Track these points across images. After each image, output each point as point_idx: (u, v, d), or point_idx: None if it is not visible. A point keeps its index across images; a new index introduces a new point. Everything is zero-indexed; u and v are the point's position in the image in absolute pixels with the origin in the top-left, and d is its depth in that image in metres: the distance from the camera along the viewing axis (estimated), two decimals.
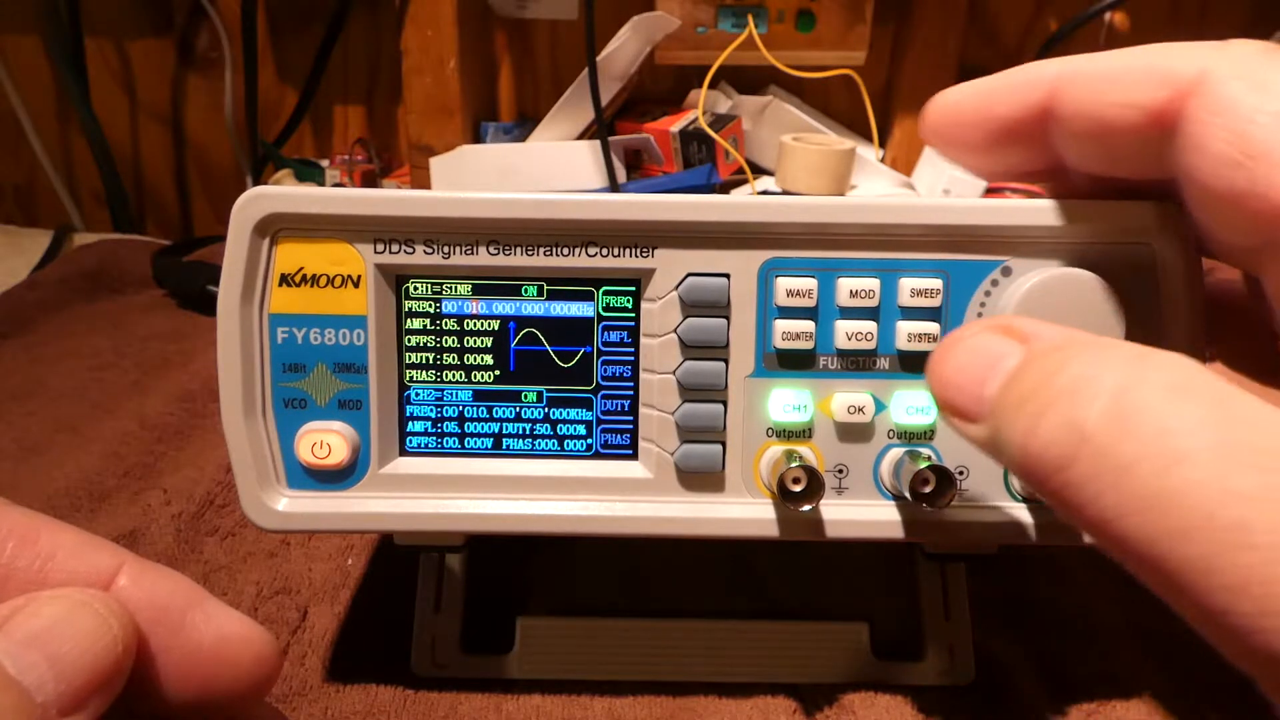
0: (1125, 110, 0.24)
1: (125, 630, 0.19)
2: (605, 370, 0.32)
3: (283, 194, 0.30)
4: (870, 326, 0.31)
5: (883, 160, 0.96)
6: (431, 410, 0.32)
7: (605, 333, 0.32)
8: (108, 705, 0.19)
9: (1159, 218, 0.30)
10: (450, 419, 0.32)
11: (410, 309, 0.32)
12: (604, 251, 0.31)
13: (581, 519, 0.32)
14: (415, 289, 0.32)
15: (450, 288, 0.32)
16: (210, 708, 0.21)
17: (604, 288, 0.31)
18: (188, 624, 0.21)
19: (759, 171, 0.88)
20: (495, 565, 0.42)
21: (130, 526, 0.44)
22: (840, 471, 0.32)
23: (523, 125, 0.95)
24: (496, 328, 0.32)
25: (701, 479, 0.32)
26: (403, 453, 0.32)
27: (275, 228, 0.30)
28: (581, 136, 0.86)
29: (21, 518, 0.20)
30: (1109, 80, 0.24)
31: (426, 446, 0.32)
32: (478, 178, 0.82)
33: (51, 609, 0.19)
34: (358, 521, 0.32)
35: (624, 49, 0.82)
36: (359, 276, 0.31)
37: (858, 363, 0.31)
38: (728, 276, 0.31)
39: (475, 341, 0.32)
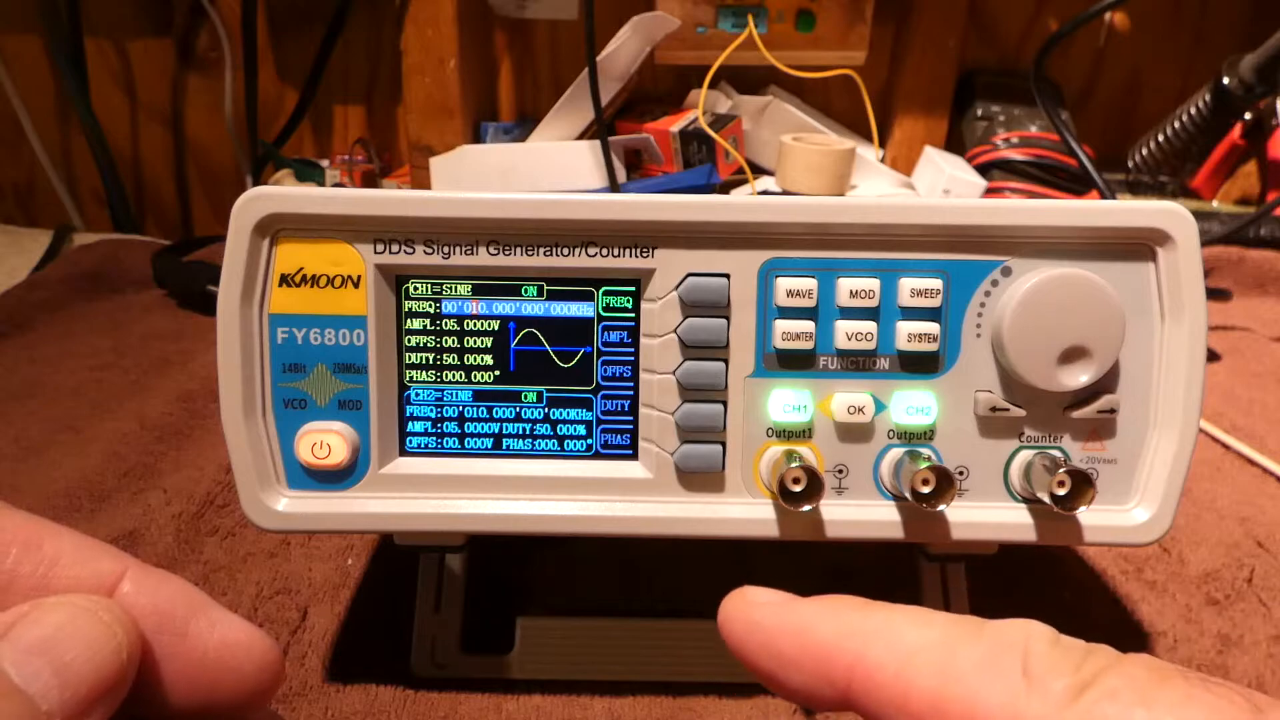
0: None
1: (129, 637, 0.19)
2: (605, 370, 0.32)
3: (283, 194, 0.30)
4: (870, 326, 0.31)
5: (883, 160, 0.96)
6: (431, 410, 0.32)
7: (605, 333, 0.32)
8: (112, 712, 0.19)
9: (1159, 218, 0.30)
10: (450, 419, 0.32)
11: (410, 309, 0.32)
12: (604, 251, 0.31)
13: (581, 519, 0.32)
14: (415, 289, 0.32)
15: (450, 288, 0.32)
16: (213, 714, 0.21)
17: (604, 288, 0.31)
18: (191, 630, 0.21)
19: (759, 171, 0.88)
20: (495, 565, 0.42)
21: (130, 527, 0.44)
22: (840, 471, 0.32)
23: (523, 125, 0.95)
24: (496, 328, 0.32)
25: (701, 479, 0.32)
26: (403, 453, 0.32)
27: (275, 228, 0.30)
28: (581, 136, 0.86)
29: (24, 523, 0.20)
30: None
31: (426, 447, 0.32)
32: (478, 178, 0.82)
33: (55, 616, 0.18)
34: (358, 522, 0.32)
35: (624, 49, 0.82)
36: (359, 276, 0.31)
37: (858, 363, 0.31)
38: (728, 276, 0.31)
39: (475, 341, 0.32)
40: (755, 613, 0.21)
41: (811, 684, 0.20)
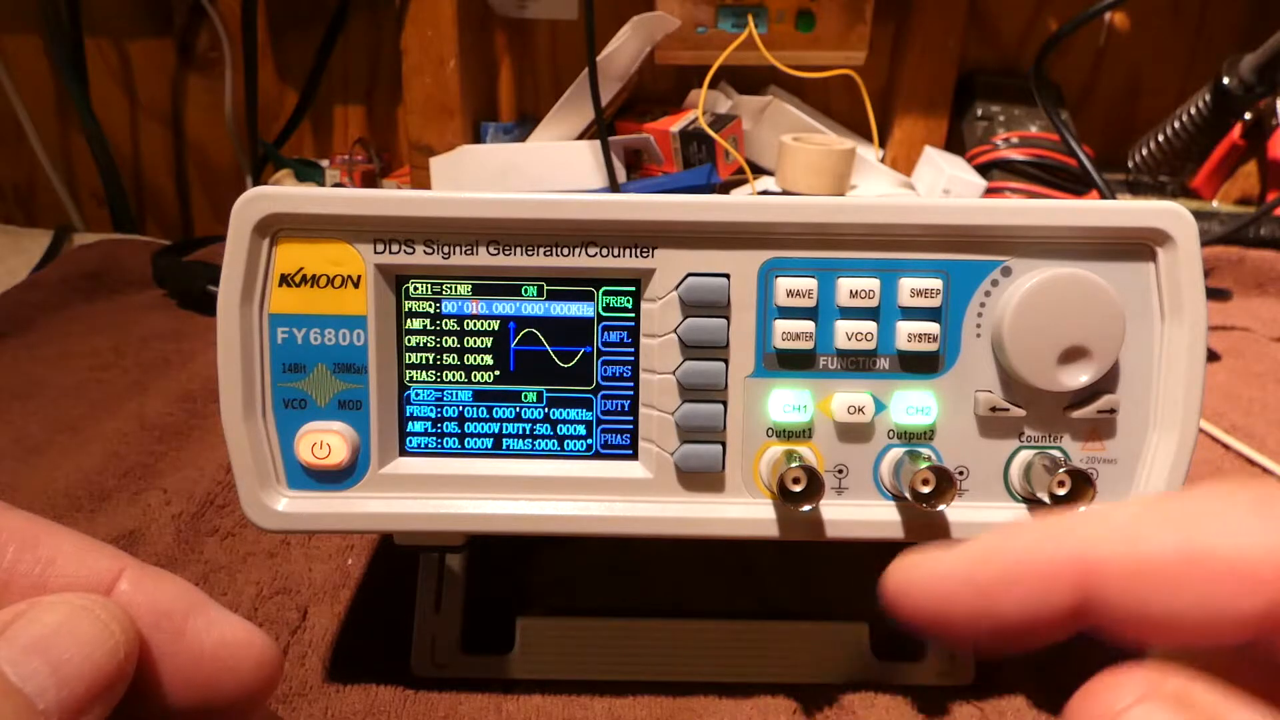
0: (1217, 624, 0.17)
1: (127, 636, 0.19)
2: (605, 370, 0.32)
3: (283, 194, 0.30)
4: (870, 326, 0.31)
5: (883, 160, 0.96)
6: (431, 410, 0.32)
7: (605, 333, 0.32)
8: (109, 712, 0.18)
9: (1159, 218, 0.30)
10: (450, 419, 0.32)
11: (410, 309, 0.32)
12: (604, 251, 0.31)
13: (581, 519, 0.32)
14: (415, 289, 0.32)
15: (450, 288, 0.32)
16: (212, 713, 0.21)
17: (604, 288, 0.31)
18: (189, 629, 0.21)
19: (759, 171, 0.88)
20: (495, 565, 0.42)
21: (130, 527, 0.44)
22: (840, 471, 0.32)
23: (523, 125, 0.95)
24: (496, 328, 0.32)
25: (701, 479, 0.32)
26: (403, 453, 0.32)
27: (275, 228, 0.30)
28: (581, 136, 0.86)
29: (22, 522, 0.20)
30: (1179, 586, 0.17)
31: (426, 446, 0.32)
32: (478, 178, 0.82)
33: (53, 615, 0.18)
34: (358, 522, 0.32)
35: (624, 49, 0.82)
36: (359, 276, 0.31)
37: (858, 363, 0.31)
38: (728, 276, 0.31)
39: (475, 341, 0.32)
40: (936, 565, 0.20)
41: (1036, 601, 0.18)
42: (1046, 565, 0.18)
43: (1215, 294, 0.74)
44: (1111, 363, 0.30)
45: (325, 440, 0.31)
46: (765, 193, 0.84)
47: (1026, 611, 0.19)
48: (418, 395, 0.32)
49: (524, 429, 0.32)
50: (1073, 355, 0.30)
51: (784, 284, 0.30)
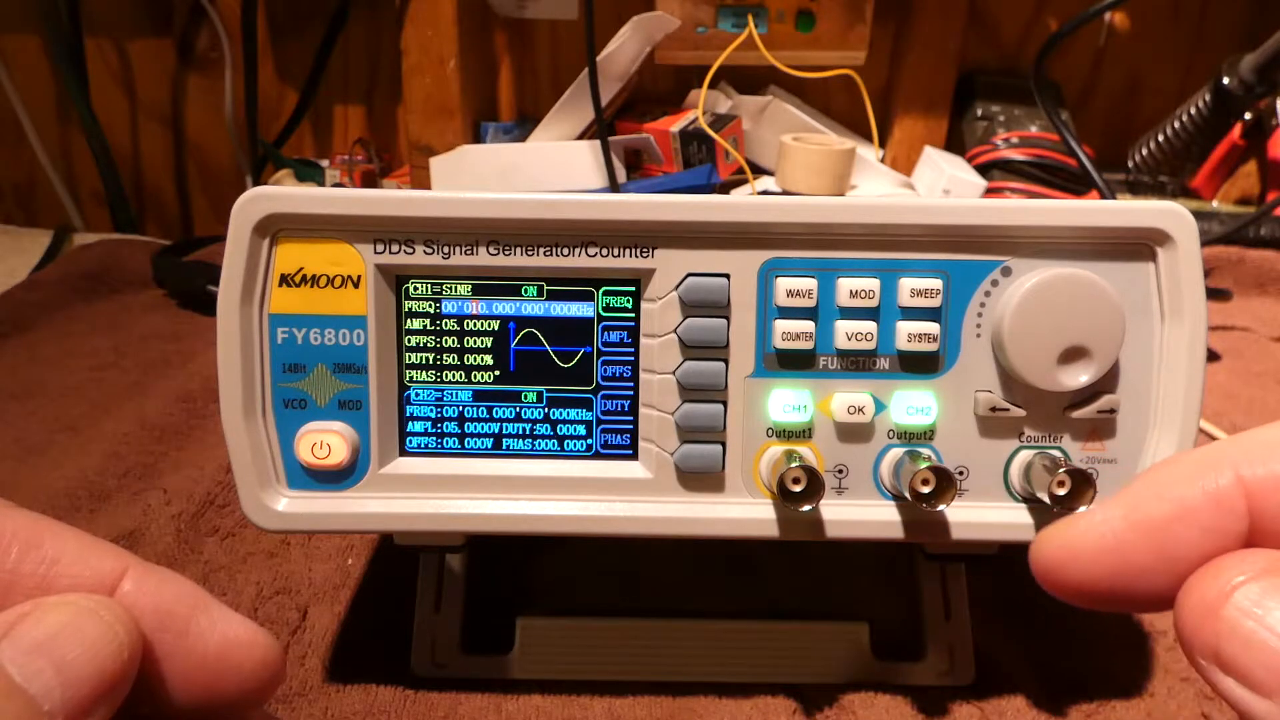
0: None
1: (130, 636, 0.19)
2: (605, 370, 0.32)
3: (283, 194, 0.30)
4: (870, 326, 0.31)
5: (883, 160, 0.96)
6: (431, 410, 0.32)
7: (605, 333, 0.32)
8: (113, 712, 0.19)
9: (1159, 218, 0.30)
10: (450, 419, 0.32)
11: (410, 309, 0.32)
12: (604, 251, 0.31)
13: (581, 519, 0.32)
14: (415, 289, 0.32)
15: (450, 288, 0.32)
16: (214, 712, 0.21)
17: (604, 288, 0.31)
18: (192, 629, 0.21)
19: (759, 171, 0.88)
20: (495, 565, 0.42)
21: (130, 527, 0.44)
22: (840, 471, 0.32)
23: (523, 125, 0.95)
24: (496, 328, 0.32)
25: (701, 479, 0.32)
26: (403, 453, 0.32)
27: (275, 228, 0.30)
28: (581, 136, 0.86)
29: (26, 521, 0.20)
30: None
31: (426, 447, 0.32)
32: (478, 178, 0.82)
33: (57, 615, 0.18)
34: (358, 522, 0.32)
35: (624, 49, 0.82)
36: (359, 276, 0.31)
37: (858, 363, 0.31)
38: (728, 276, 0.31)
39: (475, 342, 0.32)
40: (1093, 520, 0.19)
41: (1212, 532, 0.17)
42: (1216, 491, 0.18)
43: (1215, 294, 0.74)
44: (1111, 363, 0.30)
45: (325, 440, 0.31)
46: (765, 193, 0.84)
47: (1204, 545, 0.18)
48: (418, 395, 0.32)
49: (524, 429, 0.32)
50: (1073, 355, 0.30)
51: (784, 284, 0.30)
